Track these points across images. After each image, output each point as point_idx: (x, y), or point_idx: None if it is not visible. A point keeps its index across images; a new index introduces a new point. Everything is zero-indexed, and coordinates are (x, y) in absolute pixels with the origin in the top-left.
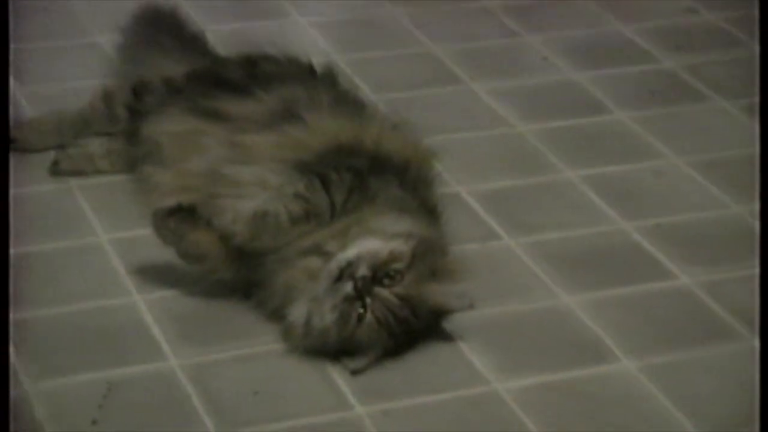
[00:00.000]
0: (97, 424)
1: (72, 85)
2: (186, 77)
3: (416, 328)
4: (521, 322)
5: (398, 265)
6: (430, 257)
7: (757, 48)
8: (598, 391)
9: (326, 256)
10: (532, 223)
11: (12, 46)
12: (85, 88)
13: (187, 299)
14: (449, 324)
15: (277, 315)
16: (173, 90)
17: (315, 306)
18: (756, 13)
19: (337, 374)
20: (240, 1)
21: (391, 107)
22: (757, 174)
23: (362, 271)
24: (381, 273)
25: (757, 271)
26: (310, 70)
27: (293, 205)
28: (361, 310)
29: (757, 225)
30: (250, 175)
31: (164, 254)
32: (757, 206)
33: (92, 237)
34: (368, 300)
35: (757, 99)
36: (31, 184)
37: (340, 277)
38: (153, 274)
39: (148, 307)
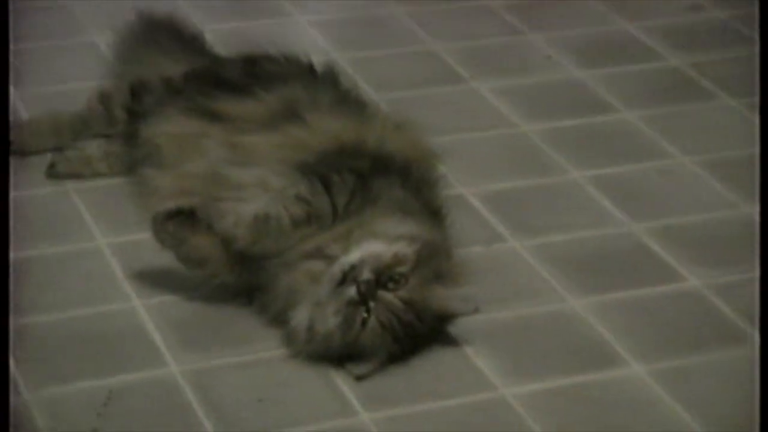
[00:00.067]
0: None
1: (69, 86)
2: (185, 77)
3: (421, 333)
4: (527, 325)
5: (402, 269)
6: (434, 260)
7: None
8: (606, 396)
9: (329, 259)
10: (538, 225)
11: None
12: (83, 89)
13: (188, 304)
14: (454, 328)
15: (279, 320)
16: (172, 90)
17: (318, 310)
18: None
19: (341, 380)
20: (239, 0)
21: (393, 107)
22: (757, 174)
23: (366, 274)
24: (385, 276)
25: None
26: (311, 69)
27: (295, 207)
28: (365, 315)
29: None
30: (251, 177)
31: (164, 258)
32: None
33: (90, 241)
34: (372, 304)
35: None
36: (27, 187)
37: (343, 281)
38: (153, 279)
39: (147, 312)
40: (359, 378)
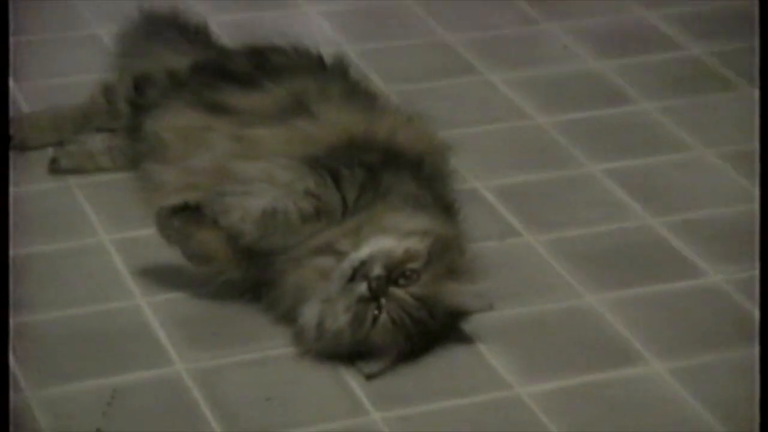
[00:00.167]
0: None
1: (71, 79)
2: (190, 70)
3: (433, 330)
4: (543, 322)
5: (414, 264)
6: (446, 256)
7: None
8: (625, 395)
9: (339, 255)
10: (553, 220)
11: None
12: (85, 82)
13: (194, 301)
14: (467, 325)
15: (287, 317)
16: (177, 83)
17: (328, 307)
18: None
19: (351, 378)
20: None
21: (404, 99)
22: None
23: (377, 270)
24: (396, 273)
25: None
26: (320, 61)
27: (303, 202)
28: (376, 312)
29: None
30: (258, 171)
31: (169, 255)
32: None
33: (93, 237)
34: (383, 301)
35: None
36: (29, 182)
37: (353, 277)
38: (157, 276)
39: (152, 310)
40: (370, 376)
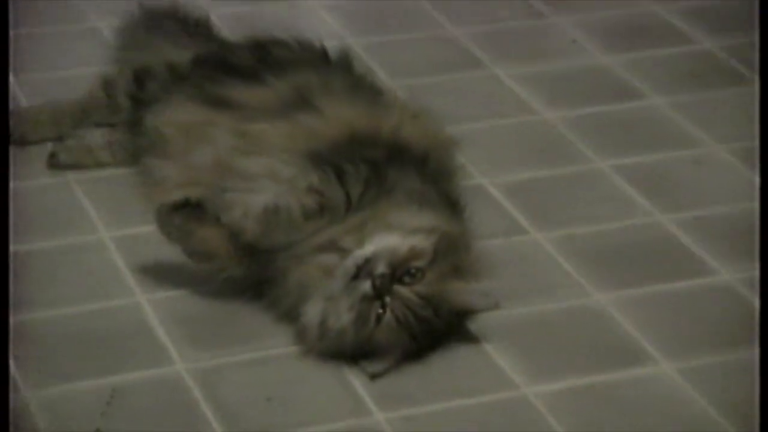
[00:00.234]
0: None
1: (70, 73)
2: (191, 63)
3: (438, 329)
4: (550, 322)
5: (419, 262)
6: (452, 253)
7: None
8: (634, 396)
9: (342, 252)
10: (561, 217)
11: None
12: (84, 75)
13: (195, 299)
14: (473, 324)
15: (290, 315)
16: (178, 77)
17: (331, 306)
18: None
19: (354, 378)
20: None
21: (409, 94)
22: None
23: (381, 268)
24: (401, 270)
25: None
26: (324, 54)
27: (306, 198)
28: (380, 310)
29: None
30: (261, 167)
31: (170, 252)
32: None
33: (93, 234)
34: (387, 299)
35: None
36: (27, 178)
37: (357, 275)
38: (158, 274)
39: (152, 308)
40: (374, 376)
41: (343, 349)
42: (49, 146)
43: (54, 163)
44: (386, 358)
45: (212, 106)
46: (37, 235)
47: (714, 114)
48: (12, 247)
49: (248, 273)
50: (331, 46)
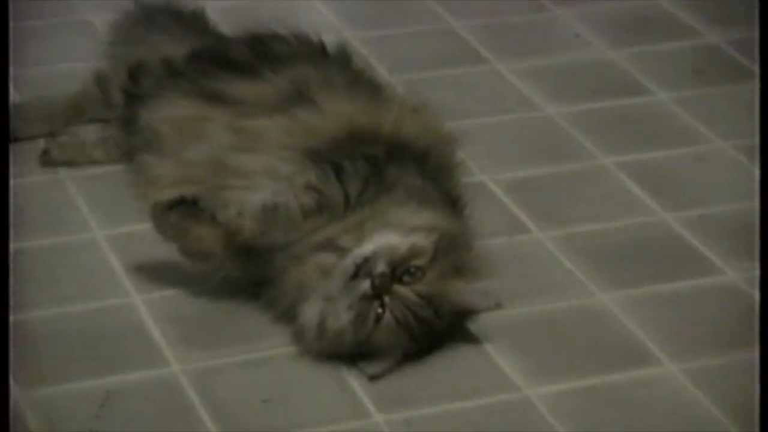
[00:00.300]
0: None
1: (62, 67)
2: (187, 58)
3: (439, 329)
4: (553, 322)
5: (419, 261)
6: (453, 252)
7: None
8: (639, 397)
9: (341, 251)
10: (564, 215)
11: None
12: (77, 70)
13: (190, 299)
14: (474, 325)
15: (287, 316)
16: (173, 72)
17: (329, 306)
18: None
19: (353, 379)
20: None
21: (409, 89)
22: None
23: (380, 267)
24: (400, 270)
25: None
26: (322, 49)
27: (304, 196)
28: (380, 310)
29: None
30: (258, 165)
31: (165, 251)
32: None
33: (86, 233)
34: (387, 299)
35: None
36: (19, 175)
37: (356, 275)
38: (153, 273)
39: (147, 308)
40: (373, 377)
41: (341, 349)
42: (41, 143)
43: (46, 160)
44: (385, 359)
45: (208, 101)
46: (29, 234)
47: (719, 110)
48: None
49: (245, 272)
50: (329, 40)
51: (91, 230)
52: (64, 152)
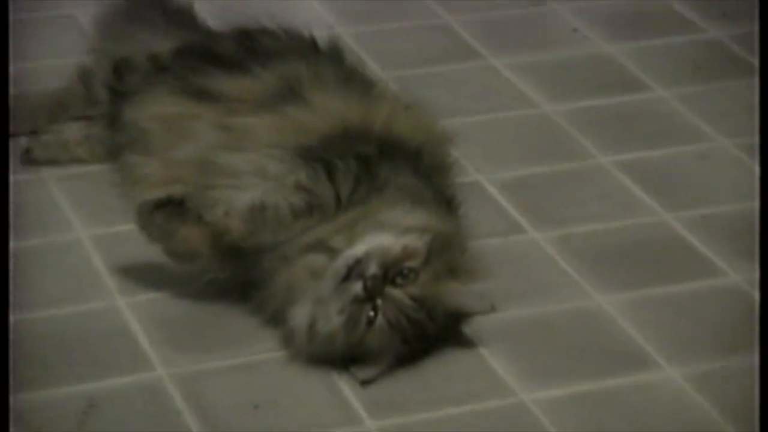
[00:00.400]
0: None
1: (44, 63)
2: (173, 54)
3: (432, 333)
4: (549, 325)
5: (412, 263)
6: (447, 253)
7: None
8: (637, 402)
9: (332, 252)
10: (560, 215)
11: None
12: (60, 66)
13: (177, 302)
14: (469, 328)
15: (277, 319)
16: (159, 68)
17: (320, 308)
18: None
19: (344, 384)
20: None
21: (402, 85)
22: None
23: (372, 269)
24: (393, 271)
25: None
26: (313, 44)
27: (294, 196)
28: (372, 313)
29: None
30: (247, 164)
31: (150, 252)
32: None
33: (70, 233)
34: (379, 301)
35: None
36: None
37: (347, 277)
38: (138, 275)
39: (132, 311)
40: (365, 382)
41: (332, 353)
42: (22, 141)
43: (28, 159)
44: (378, 363)
45: (195, 98)
46: (11, 235)
47: (722, 107)
48: None
49: (233, 274)
50: (321, 35)
51: (74, 231)
52: (47, 151)
